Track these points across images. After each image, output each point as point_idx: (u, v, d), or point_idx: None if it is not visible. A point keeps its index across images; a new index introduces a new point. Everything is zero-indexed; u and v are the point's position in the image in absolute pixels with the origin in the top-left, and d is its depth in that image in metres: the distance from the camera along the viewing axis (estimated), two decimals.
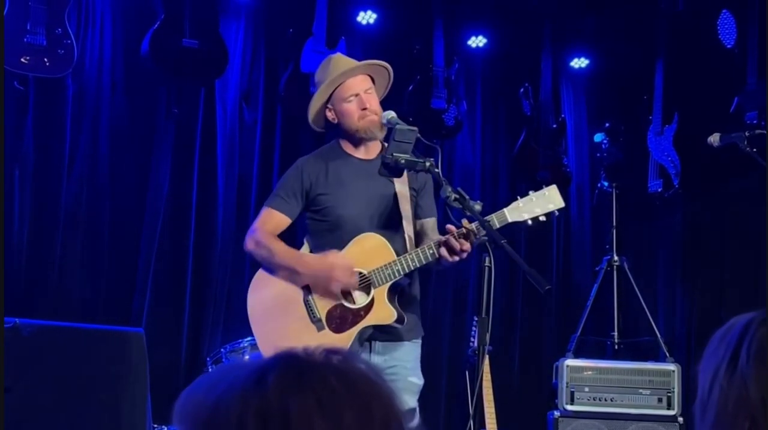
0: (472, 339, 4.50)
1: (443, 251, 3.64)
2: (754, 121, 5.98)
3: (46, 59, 5.00)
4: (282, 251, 3.85)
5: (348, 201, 3.89)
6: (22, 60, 4.95)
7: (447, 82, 6.27)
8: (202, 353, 5.56)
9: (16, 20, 4.93)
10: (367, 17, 6.26)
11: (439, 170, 3.63)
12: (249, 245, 3.93)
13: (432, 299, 6.43)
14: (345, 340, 3.75)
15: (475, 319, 3.70)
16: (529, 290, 6.44)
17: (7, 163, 5.11)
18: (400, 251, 3.82)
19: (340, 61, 3.95)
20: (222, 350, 4.87)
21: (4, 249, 5.05)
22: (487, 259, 3.36)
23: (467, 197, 3.48)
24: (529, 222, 3.71)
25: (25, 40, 4.94)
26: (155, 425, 4.29)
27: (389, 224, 3.90)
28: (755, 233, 6.20)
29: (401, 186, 3.92)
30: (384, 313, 3.78)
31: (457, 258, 3.64)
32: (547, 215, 3.72)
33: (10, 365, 3.70)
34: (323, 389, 1.02)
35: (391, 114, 3.81)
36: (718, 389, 1.31)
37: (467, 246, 3.62)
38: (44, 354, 3.94)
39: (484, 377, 3.67)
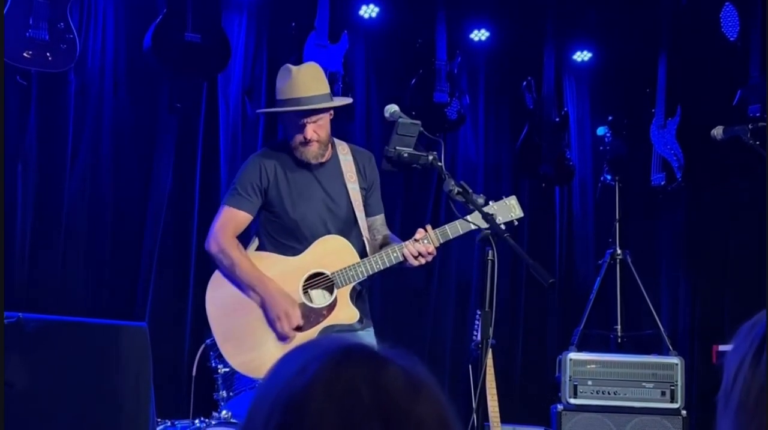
0: (475, 333, 4.50)
1: (408, 256, 3.77)
2: (757, 114, 5.98)
3: (48, 54, 5.00)
4: (245, 267, 3.88)
5: (302, 204, 3.95)
6: (25, 55, 4.95)
7: (449, 76, 6.26)
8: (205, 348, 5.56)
9: (19, 15, 4.92)
10: (369, 11, 6.25)
11: (442, 164, 3.64)
12: (212, 247, 3.95)
13: (435, 293, 6.43)
14: (306, 339, 3.78)
15: (478, 312, 3.71)
16: (533, 284, 6.43)
17: (9, 158, 5.11)
18: (358, 251, 3.89)
19: (292, 86, 3.88)
20: None
21: (7, 244, 5.06)
22: (490, 252, 3.36)
23: (470, 191, 3.49)
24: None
25: (28, 34, 4.94)
26: (159, 420, 4.30)
27: (344, 226, 3.97)
28: (758, 225, 6.18)
29: (353, 187, 3.97)
30: (347, 313, 3.87)
31: (423, 261, 3.80)
32: (506, 224, 3.78)
33: (13, 360, 3.70)
34: (349, 398, 0.99)
35: (394, 108, 3.81)
36: (741, 380, 1.32)
37: (431, 249, 3.77)
38: (47, 349, 3.94)
39: (487, 371, 3.68)
